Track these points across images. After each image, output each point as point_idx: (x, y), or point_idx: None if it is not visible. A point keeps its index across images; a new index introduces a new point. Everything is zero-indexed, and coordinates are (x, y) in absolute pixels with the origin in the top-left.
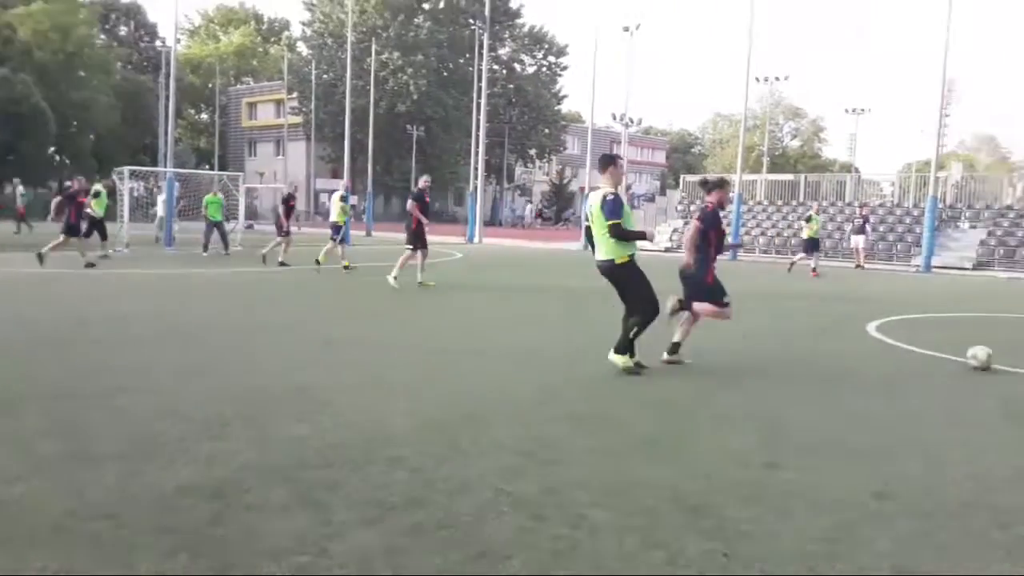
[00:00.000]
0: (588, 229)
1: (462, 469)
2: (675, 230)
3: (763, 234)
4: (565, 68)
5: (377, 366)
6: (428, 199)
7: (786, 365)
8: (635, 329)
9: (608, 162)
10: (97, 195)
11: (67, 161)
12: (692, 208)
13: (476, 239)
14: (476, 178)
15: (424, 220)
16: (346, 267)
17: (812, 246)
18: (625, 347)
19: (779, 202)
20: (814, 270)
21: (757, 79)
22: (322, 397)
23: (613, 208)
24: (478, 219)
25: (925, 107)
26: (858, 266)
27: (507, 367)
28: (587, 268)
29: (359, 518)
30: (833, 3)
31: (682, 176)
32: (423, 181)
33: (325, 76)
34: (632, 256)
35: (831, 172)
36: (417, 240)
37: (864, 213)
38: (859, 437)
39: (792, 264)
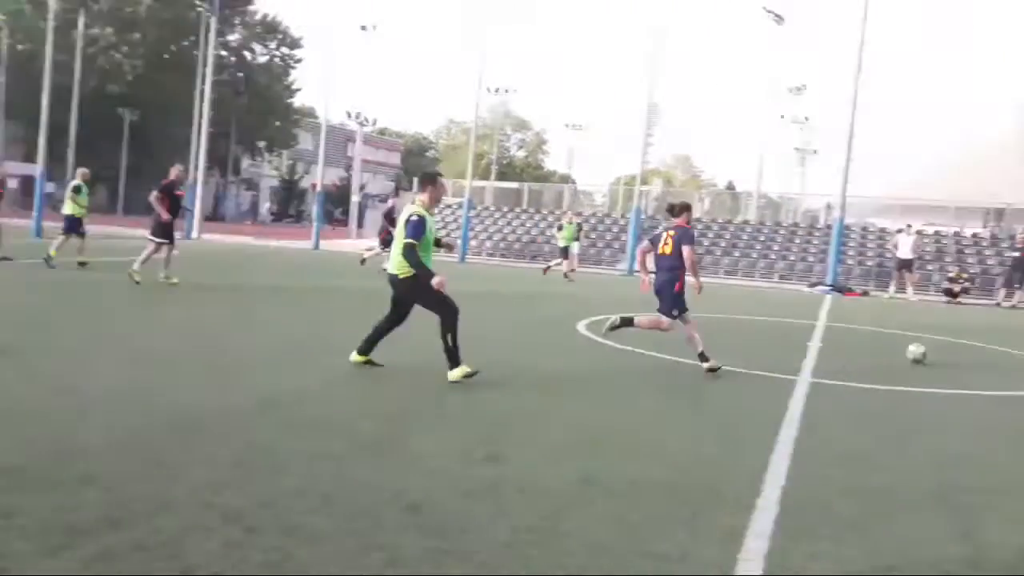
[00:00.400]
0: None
1: (166, 485)
2: None
3: (490, 238)
4: (299, 61)
5: (70, 376)
6: (182, 192)
7: (504, 363)
8: (449, 336)
9: (429, 181)
10: None
11: None
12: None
13: (194, 235)
14: (197, 169)
15: (163, 214)
16: (81, 263)
17: (563, 253)
18: (453, 358)
19: (505, 208)
20: (565, 275)
21: (488, 90)
22: None
23: (414, 231)
24: (197, 213)
25: (632, 127)
26: (572, 269)
27: (225, 373)
28: (316, 268)
29: (41, 547)
30: (556, 25)
31: (416, 179)
32: (175, 171)
33: (20, 47)
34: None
35: (552, 183)
36: (164, 233)
37: (578, 221)
38: (566, 428)
39: (547, 268)
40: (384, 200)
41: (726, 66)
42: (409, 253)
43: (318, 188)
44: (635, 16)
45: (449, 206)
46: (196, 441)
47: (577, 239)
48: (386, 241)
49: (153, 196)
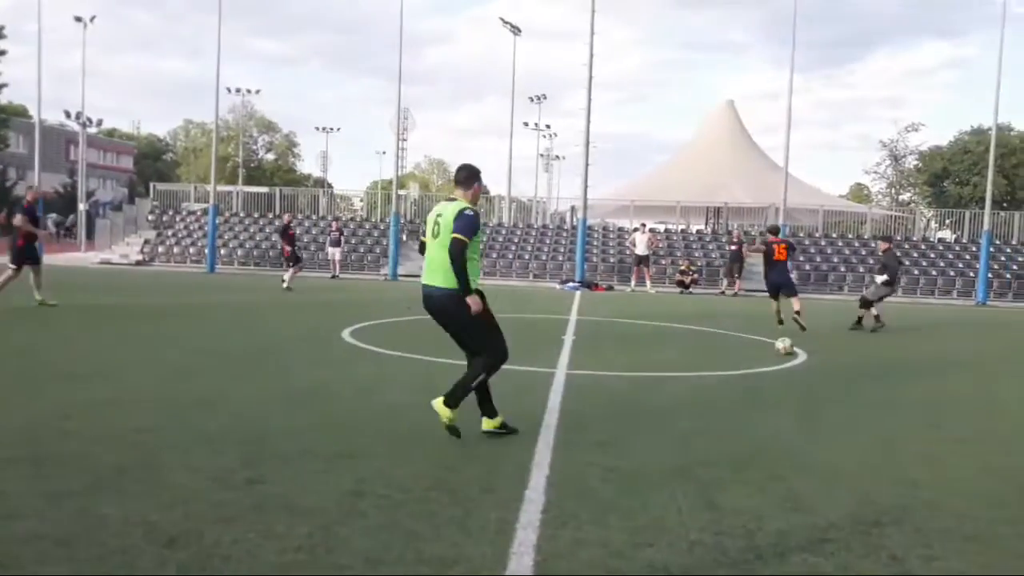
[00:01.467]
0: (424, 245)
1: None
2: (146, 241)
3: (241, 246)
4: (3, 52)
5: None
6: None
7: (270, 378)
8: (480, 379)
9: (474, 177)
10: None
11: None
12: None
13: None
14: None
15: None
16: None
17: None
18: (484, 403)
19: (256, 214)
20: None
21: (229, 89)
22: None
23: (469, 225)
24: None
25: (385, 131)
26: (334, 276)
27: None
28: (47, 286)
29: None
30: (301, 23)
31: (153, 184)
32: (31, 193)
33: None
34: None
35: (306, 187)
36: (26, 258)
37: (338, 226)
38: (336, 440)
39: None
40: (118, 208)
41: (479, 72)
42: (459, 251)
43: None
44: (384, 21)
45: (192, 213)
46: None
47: (339, 244)
48: (294, 257)
49: (19, 219)
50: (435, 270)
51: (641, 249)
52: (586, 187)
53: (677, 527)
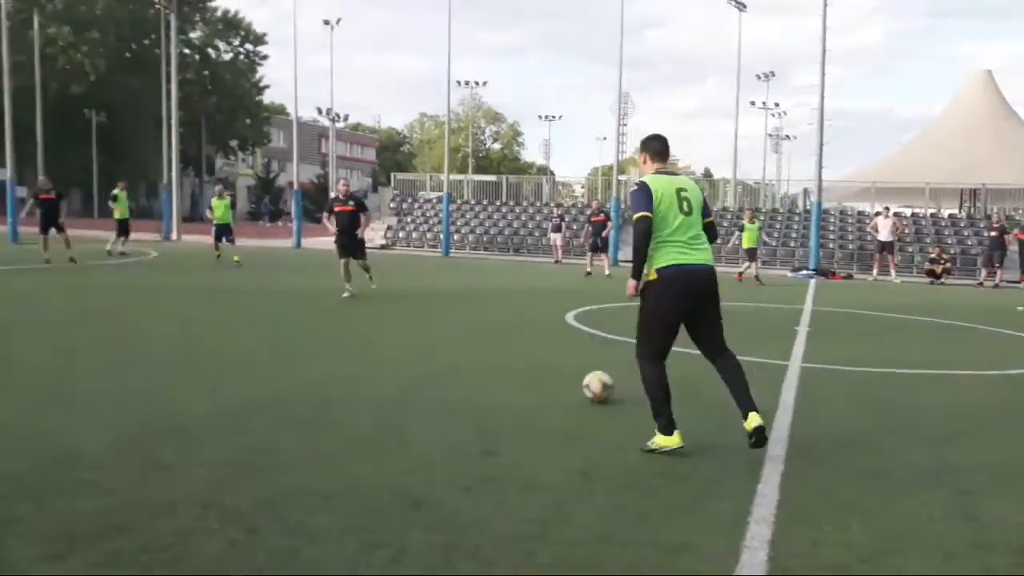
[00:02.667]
0: (646, 223)
1: (165, 487)
2: (389, 227)
3: (472, 232)
4: (265, 57)
5: (65, 381)
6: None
7: (498, 358)
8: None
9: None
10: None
11: None
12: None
13: (174, 236)
14: (171, 170)
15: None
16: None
17: (751, 254)
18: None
19: (485, 201)
20: (757, 278)
21: (459, 82)
22: None
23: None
24: (175, 215)
25: (606, 116)
26: (557, 261)
27: (217, 375)
28: (299, 267)
29: (44, 553)
30: (523, 12)
31: (393, 174)
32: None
33: None
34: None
35: (530, 174)
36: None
37: (560, 212)
38: (567, 421)
39: (741, 275)
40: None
41: (700, 53)
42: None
43: (295, 186)
44: (604, 6)
45: (428, 200)
46: (192, 443)
47: (560, 230)
48: (595, 247)
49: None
50: (702, 247)
51: (884, 235)
52: (820, 168)
53: (929, 535)
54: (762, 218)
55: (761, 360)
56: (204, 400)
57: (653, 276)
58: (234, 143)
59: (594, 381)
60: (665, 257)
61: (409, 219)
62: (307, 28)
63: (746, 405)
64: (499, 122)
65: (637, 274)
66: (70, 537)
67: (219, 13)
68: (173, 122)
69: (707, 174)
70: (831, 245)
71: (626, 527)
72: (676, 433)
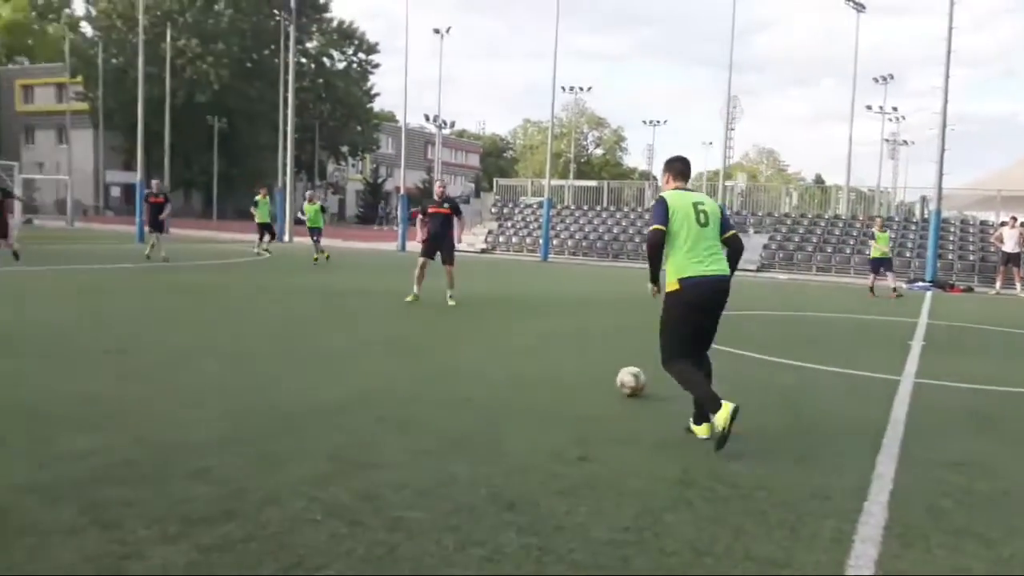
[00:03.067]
0: (660, 236)
1: (272, 478)
2: (489, 232)
3: (571, 237)
4: (376, 66)
5: (177, 373)
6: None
7: (597, 362)
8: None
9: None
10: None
11: None
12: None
13: (287, 238)
14: (285, 175)
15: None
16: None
17: (883, 265)
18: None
19: (585, 207)
20: (894, 290)
21: (563, 88)
22: (112, 409)
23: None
24: (288, 217)
25: (713, 121)
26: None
27: (316, 370)
28: (402, 270)
29: (158, 535)
30: (629, 17)
31: (495, 179)
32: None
33: (114, 60)
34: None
35: (632, 180)
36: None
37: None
38: (662, 428)
39: (873, 289)
40: (466, 201)
41: (812, 56)
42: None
43: (401, 191)
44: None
45: (529, 205)
46: (297, 436)
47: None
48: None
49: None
50: (718, 257)
51: (1010, 246)
52: (941, 174)
53: None
54: (894, 227)
55: (872, 374)
56: (307, 395)
57: (676, 286)
58: (345, 149)
59: (626, 377)
60: (685, 268)
61: (509, 224)
62: (417, 37)
63: (708, 399)
64: (602, 127)
65: (654, 279)
66: (183, 521)
67: (335, 24)
68: (289, 128)
69: (818, 180)
70: (950, 256)
71: (723, 539)
72: (727, 404)
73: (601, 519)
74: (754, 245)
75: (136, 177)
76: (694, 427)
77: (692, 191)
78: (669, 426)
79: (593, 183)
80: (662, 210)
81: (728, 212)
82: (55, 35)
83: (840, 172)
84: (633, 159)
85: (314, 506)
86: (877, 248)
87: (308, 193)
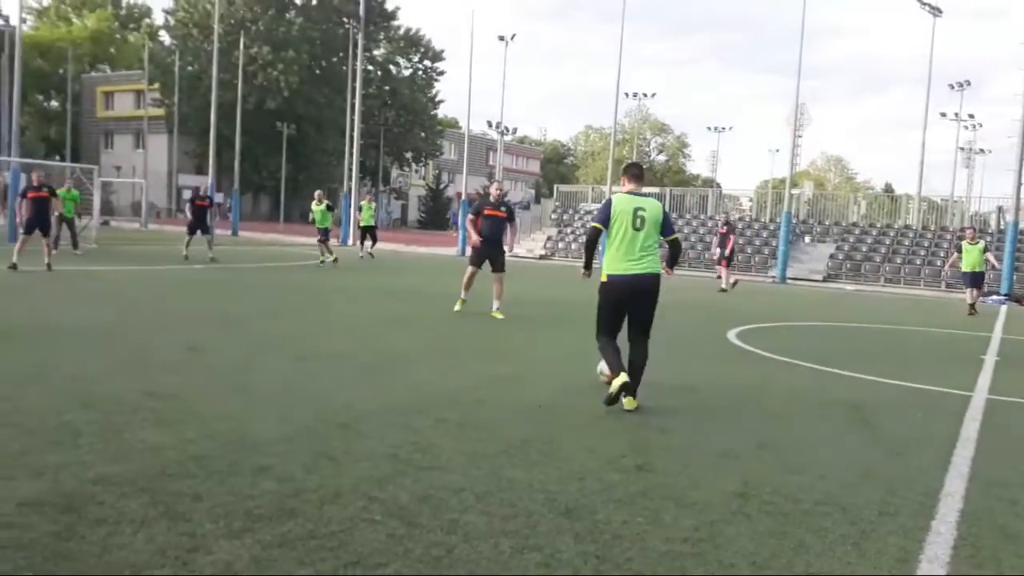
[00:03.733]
0: (596, 233)
1: (333, 477)
2: (549, 238)
3: None
4: (442, 73)
5: (245, 372)
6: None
7: (652, 371)
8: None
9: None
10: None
11: None
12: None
13: (351, 242)
14: (350, 179)
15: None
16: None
17: (974, 279)
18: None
19: None
20: (972, 306)
21: (626, 94)
22: (184, 405)
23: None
24: (353, 221)
25: (779, 127)
26: (719, 277)
27: (381, 372)
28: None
29: (224, 529)
30: (694, 23)
31: (556, 186)
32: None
33: (190, 68)
34: None
35: (695, 187)
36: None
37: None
38: (722, 439)
39: (974, 307)
40: (526, 207)
41: (884, 62)
42: (678, 246)
43: (463, 196)
44: (781, 15)
45: (589, 212)
46: (357, 437)
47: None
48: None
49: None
50: (648, 258)
51: None
52: (1020, 184)
53: None
54: (988, 239)
55: (943, 389)
56: (369, 397)
57: (604, 279)
58: (409, 155)
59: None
60: (613, 267)
61: (569, 230)
62: (482, 44)
63: (630, 390)
64: (665, 133)
65: (586, 266)
66: (247, 516)
67: (401, 31)
68: (355, 134)
69: (887, 189)
70: None
71: (784, 554)
72: (623, 374)
73: (659, 529)
74: (820, 255)
75: (208, 181)
76: (607, 379)
77: (642, 195)
78: (728, 438)
79: (655, 190)
80: (605, 211)
81: (672, 217)
82: (135, 44)
83: (911, 181)
84: (697, 166)
85: (373, 506)
86: (968, 261)
87: (317, 193)
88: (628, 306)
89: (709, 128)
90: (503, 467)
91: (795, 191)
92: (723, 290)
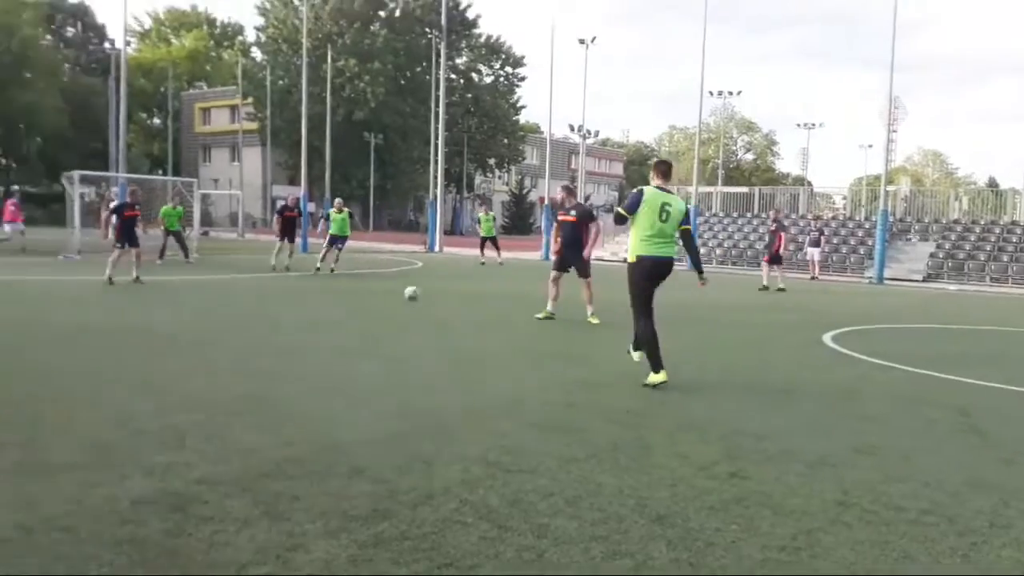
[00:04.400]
0: (623, 219)
1: (425, 479)
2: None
3: (719, 245)
4: (523, 79)
5: (338, 375)
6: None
7: (745, 375)
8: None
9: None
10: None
11: (13, 165)
12: None
13: (437, 248)
14: (436, 187)
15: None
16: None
17: None
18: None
19: (734, 214)
20: None
21: (711, 93)
22: (282, 407)
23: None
24: (438, 228)
25: (873, 123)
26: (813, 277)
27: (470, 375)
28: (546, 277)
29: (321, 529)
30: (782, 21)
31: (640, 188)
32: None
33: (280, 82)
34: None
35: (784, 185)
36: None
37: (819, 226)
38: (819, 445)
39: None
40: (609, 210)
41: (984, 52)
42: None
43: (545, 201)
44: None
45: None
46: (448, 439)
47: (818, 244)
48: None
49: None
50: (668, 244)
51: None
52: None
53: None
54: None
55: None
56: (458, 399)
57: (634, 259)
58: (492, 161)
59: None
60: (642, 249)
61: None
62: (563, 48)
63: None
64: (752, 132)
65: (618, 218)
66: (343, 516)
67: (483, 39)
68: (439, 142)
69: (991, 184)
70: None
71: (886, 566)
72: (663, 372)
73: (754, 537)
74: (919, 254)
75: (300, 191)
76: (652, 377)
77: (669, 191)
78: (825, 444)
79: (743, 189)
80: (636, 199)
81: (694, 212)
82: (229, 61)
83: (1017, 175)
84: (786, 164)
85: (464, 508)
86: None
87: (337, 201)
88: (653, 282)
89: (798, 125)
90: (593, 472)
91: (891, 188)
92: (764, 288)
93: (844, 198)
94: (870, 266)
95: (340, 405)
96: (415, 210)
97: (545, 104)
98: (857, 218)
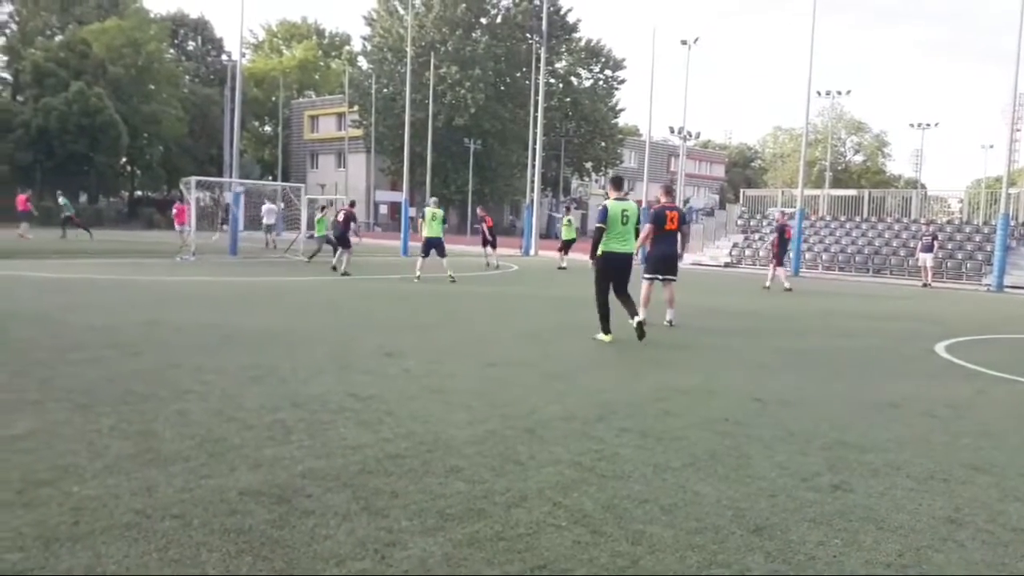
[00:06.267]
0: (601, 231)
1: (520, 481)
2: (735, 245)
3: (826, 250)
4: (622, 82)
5: (436, 377)
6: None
7: (850, 385)
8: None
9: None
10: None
11: (138, 172)
12: (755, 222)
13: (532, 252)
14: (532, 191)
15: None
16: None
17: None
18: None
19: (842, 218)
20: None
21: (819, 93)
22: (382, 407)
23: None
24: (534, 232)
25: (993, 122)
26: (925, 284)
27: (564, 380)
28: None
29: (419, 526)
30: (895, 17)
31: (742, 190)
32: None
33: (385, 90)
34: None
35: (896, 188)
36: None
37: (932, 230)
38: (929, 460)
39: None
40: (709, 213)
41: None
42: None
43: (643, 204)
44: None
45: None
46: (543, 442)
47: (931, 250)
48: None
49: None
50: (628, 242)
51: None
52: None
53: None
54: None
55: None
56: (552, 403)
57: (600, 254)
58: (589, 164)
59: None
60: (608, 246)
61: (756, 236)
62: (664, 49)
63: (631, 311)
64: (862, 132)
65: (592, 255)
66: (440, 515)
67: (582, 43)
68: (537, 147)
69: None
70: None
71: None
72: (610, 335)
73: (858, 552)
74: None
75: (402, 196)
76: (600, 336)
77: (625, 200)
78: (936, 459)
79: (852, 192)
80: (603, 213)
81: (643, 212)
82: (336, 70)
83: None
84: (898, 165)
85: (558, 512)
86: None
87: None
88: (616, 273)
89: (912, 125)
90: (689, 480)
91: (1012, 191)
92: (766, 287)
93: (960, 201)
94: (988, 272)
95: (438, 405)
96: (512, 214)
97: (645, 106)
98: (975, 222)
